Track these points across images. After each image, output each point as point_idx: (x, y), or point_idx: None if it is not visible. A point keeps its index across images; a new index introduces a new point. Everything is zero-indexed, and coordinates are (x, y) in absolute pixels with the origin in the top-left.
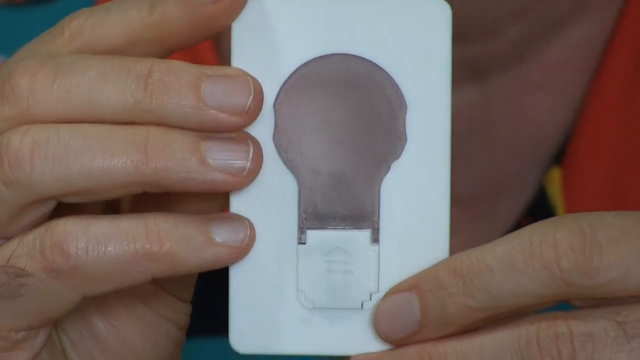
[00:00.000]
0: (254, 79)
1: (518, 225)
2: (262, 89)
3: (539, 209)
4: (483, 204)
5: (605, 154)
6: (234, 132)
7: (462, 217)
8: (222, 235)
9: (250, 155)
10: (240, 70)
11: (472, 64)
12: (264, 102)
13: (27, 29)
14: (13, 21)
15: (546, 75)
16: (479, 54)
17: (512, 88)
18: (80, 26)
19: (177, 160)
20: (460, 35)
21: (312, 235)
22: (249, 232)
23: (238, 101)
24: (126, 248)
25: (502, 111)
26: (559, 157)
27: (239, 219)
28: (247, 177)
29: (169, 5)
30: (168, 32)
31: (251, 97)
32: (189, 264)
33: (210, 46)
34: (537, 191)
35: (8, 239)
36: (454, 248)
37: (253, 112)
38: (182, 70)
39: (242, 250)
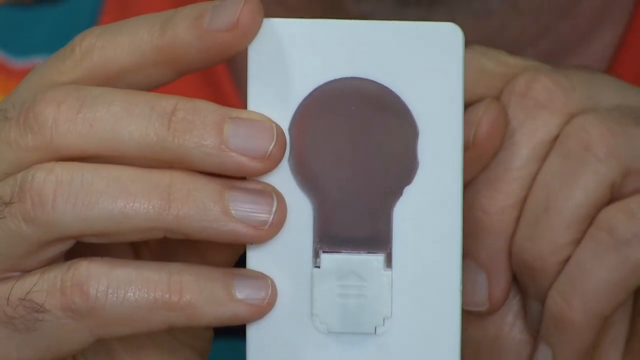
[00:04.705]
0: (277, 125)
1: None
2: (285, 135)
3: None
4: None
5: None
6: (254, 176)
7: None
8: (244, 291)
9: (274, 209)
10: (264, 115)
11: None
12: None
13: (34, 28)
14: (21, 21)
15: None
16: None
17: None
18: (91, 46)
19: (199, 208)
20: None
21: (326, 258)
22: (270, 291)
23: (260, 146)
24: (146, 295)
25: None
26: None
27: (262, 277)
28: (269, 231)
29: (181, 29)
30: (180, 56)
31: (273, 143)
32: (207, 317)
33: (224, 65)
34: None
35: (23, 272)
36: None
37: (275, 158)
38: (206, 110)
39: (262, 309)
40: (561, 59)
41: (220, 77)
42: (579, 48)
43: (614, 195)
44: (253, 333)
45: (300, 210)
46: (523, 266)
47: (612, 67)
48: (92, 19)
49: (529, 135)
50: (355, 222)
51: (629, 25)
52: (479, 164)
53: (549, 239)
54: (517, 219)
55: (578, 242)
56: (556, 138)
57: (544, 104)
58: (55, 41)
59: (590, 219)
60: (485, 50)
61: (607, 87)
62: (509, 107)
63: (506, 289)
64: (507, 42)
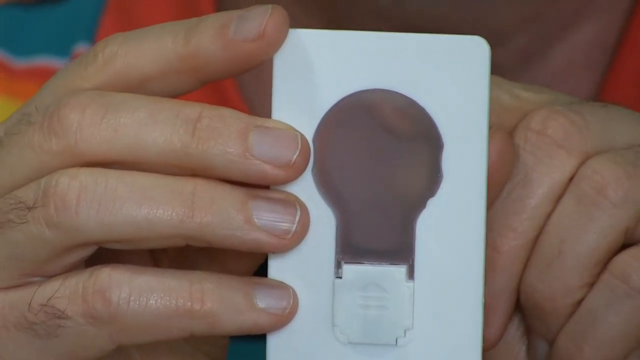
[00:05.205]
0: (302, 135)
1: None
2: (309, 146)
3: None
4: None
5: None
6: (277, 185)
7: None
8: (265, 301)
9: (297, 219)
10: (289, 125)
11: None
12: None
13: (36, 28)
14: (22, 20)
15: (554, 78)
16: None
17: None
18: (114, 53)
19: (222, 216)
20: None
21: (348, 269)
22: (292, 300)
23: (284, 154)
24: (167, 303)
25: None
26: None
27: (284, 287)
28: (292, 240)
29: (206, 38)
30: (203, 65)
31: (297, 152)
32: (228, 326)
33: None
34: None
35: (44, 277)
36: None
37: (298, 167)
38: (231, 118)
39: (283, 319)
40: (550, 44)
41: (225, 84)
42: (568, 33)
43: (627, 240)
44: (273, 343)
45: (323, 220)
46: (533, 306)
47: (613, 63)
48: (93, 19)
49: (546, 175)
50: (378, 234)
51: (630, 18)
52: (489, 196)
53: (561, 281)
54: (526, 259)
55: (590, 285)
56: (571, 179)
57: (560, 143)
58: (57, 41)
59: (604, 263)
60: (500, 82)
61: (621, 124)
62: (525, 143)
63: (502, 328)
64: (495, 25)
